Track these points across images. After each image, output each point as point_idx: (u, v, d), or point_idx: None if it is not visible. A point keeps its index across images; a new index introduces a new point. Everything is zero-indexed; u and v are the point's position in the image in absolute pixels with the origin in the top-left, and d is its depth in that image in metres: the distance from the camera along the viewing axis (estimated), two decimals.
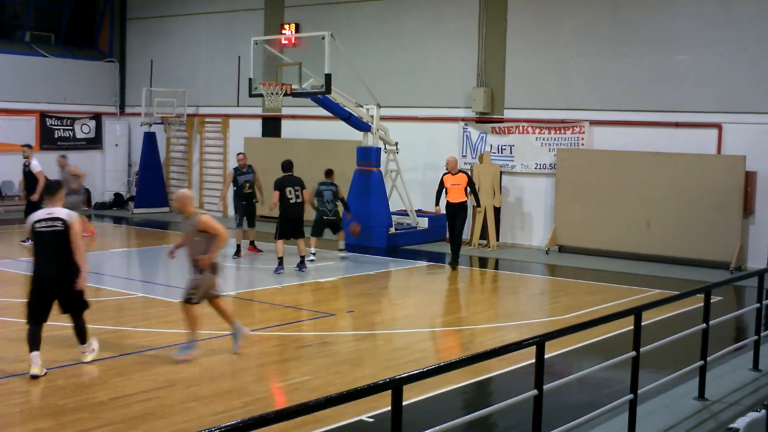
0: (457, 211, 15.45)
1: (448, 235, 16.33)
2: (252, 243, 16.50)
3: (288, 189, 14.38)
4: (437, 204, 15.75)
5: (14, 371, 8.29)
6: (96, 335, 9.86)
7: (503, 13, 18.83)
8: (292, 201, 14.36)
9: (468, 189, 15.61)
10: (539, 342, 5.37)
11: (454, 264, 15.44)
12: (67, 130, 24.84)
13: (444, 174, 15.65)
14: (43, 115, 24.20)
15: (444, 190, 15.52)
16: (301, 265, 14.47)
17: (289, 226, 14.43)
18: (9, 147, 23.54)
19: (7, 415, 7.08)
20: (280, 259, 14.30)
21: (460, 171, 15.66)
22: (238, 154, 16.70)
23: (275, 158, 22.26)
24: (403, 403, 4.28)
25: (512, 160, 18.76)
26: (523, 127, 18.58)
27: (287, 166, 14.73)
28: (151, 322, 10.77)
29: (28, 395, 7.60)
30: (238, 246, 15.92)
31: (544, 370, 5.40)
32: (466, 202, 15.52)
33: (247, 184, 15.99)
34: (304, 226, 14.68)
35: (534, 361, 5.40)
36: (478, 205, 16.58)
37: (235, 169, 16.27)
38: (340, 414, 6.83)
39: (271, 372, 8.81)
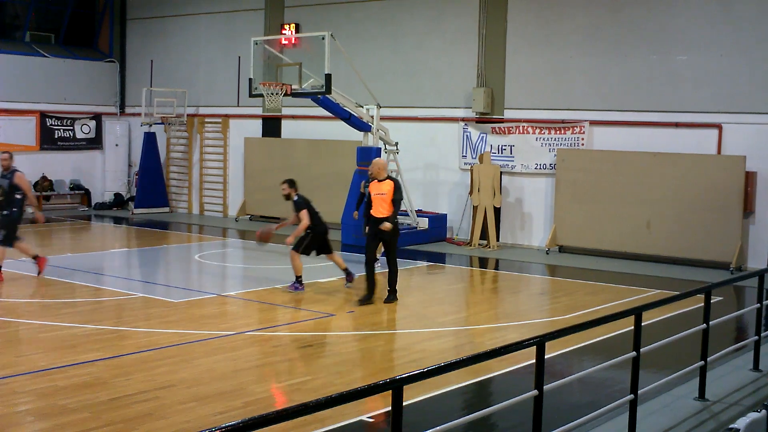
0: (383, 231, 11.85)
1: (366, 259, 12.20)
2: None
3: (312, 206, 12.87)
4: (366, 222, 12.22)
5: (14, 372, 8.29)
6: (96, 335, 9.89)
7: (503, 13, 18.82)
8: (323, 217, 12.99)
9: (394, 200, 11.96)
10: (539, 342, 5.36)
11: (373, 300, 12.11)
12: (67, 130, 24.83)
13: (368, 181, 12.94)
14: (43, 115, 24.19)
15: (369, 202, 12.15)
16: (349, 278, 13.25)
17: (318, 242, 12.93)
18: (9, 147, 23.55)
19: (7, 416, 7.08)
20: (299, 278, 12.83)
21: (388, 177, 12.14)
22: (2, 153, 13.40)
23: (276, 158, 22.48)
24: (404, 403, 4.28)
25: (512, 161, 18.75)
26: (524, 127, 18.57)
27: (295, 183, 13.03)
28: (151, 322, 10.77)
29: (29, 395, 7.59)
30: None
31: (545, 370, 5.40)
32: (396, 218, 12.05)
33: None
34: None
35: (534, 361, 5.40)
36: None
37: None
38: (341, 414, 6.83)
39: (271, 372, 8.80)
